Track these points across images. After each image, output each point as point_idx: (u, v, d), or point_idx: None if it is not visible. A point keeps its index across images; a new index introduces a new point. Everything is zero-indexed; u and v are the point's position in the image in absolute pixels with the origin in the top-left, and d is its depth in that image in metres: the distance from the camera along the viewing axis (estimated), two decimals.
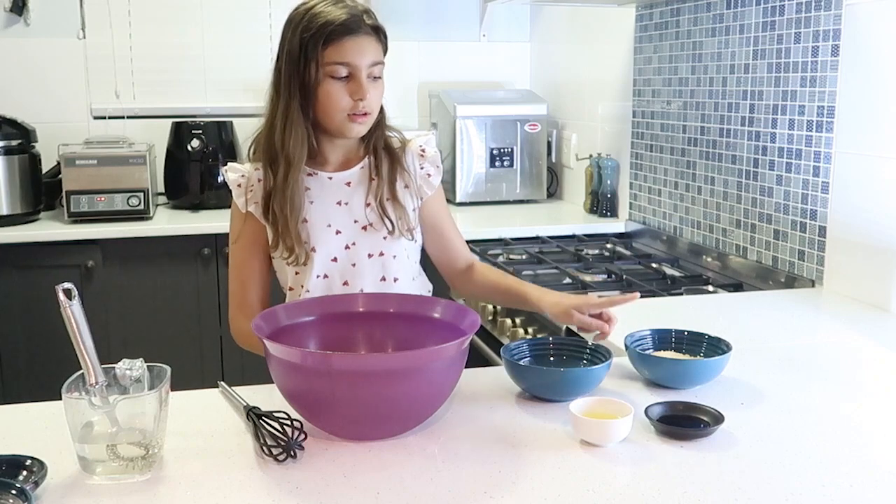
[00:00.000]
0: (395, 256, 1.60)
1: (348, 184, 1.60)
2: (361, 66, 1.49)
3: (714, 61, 2.42)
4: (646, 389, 1.37)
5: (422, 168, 1.64)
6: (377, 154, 1.61)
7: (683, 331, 1.47)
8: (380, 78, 1.54)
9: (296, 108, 1.52)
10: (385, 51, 1.56)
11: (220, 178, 3.22)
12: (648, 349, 1.45)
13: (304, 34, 1.49)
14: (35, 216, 3.03)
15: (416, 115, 3.70)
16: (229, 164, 1.68)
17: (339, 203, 1.59)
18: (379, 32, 1.53)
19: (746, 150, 2.29)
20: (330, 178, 1.60)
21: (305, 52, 1.49)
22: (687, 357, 1.42)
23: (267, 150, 1.57)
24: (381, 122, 1.61)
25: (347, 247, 1.59)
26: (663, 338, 1.47)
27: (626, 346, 1.43)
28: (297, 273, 1.60)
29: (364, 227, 1.59)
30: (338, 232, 1.59)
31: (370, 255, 1.59)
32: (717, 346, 1.42)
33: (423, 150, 1.65)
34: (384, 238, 1.59)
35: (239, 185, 1.62)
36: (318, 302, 1.46)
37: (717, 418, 1.21)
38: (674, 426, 1.20)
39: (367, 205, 1.59)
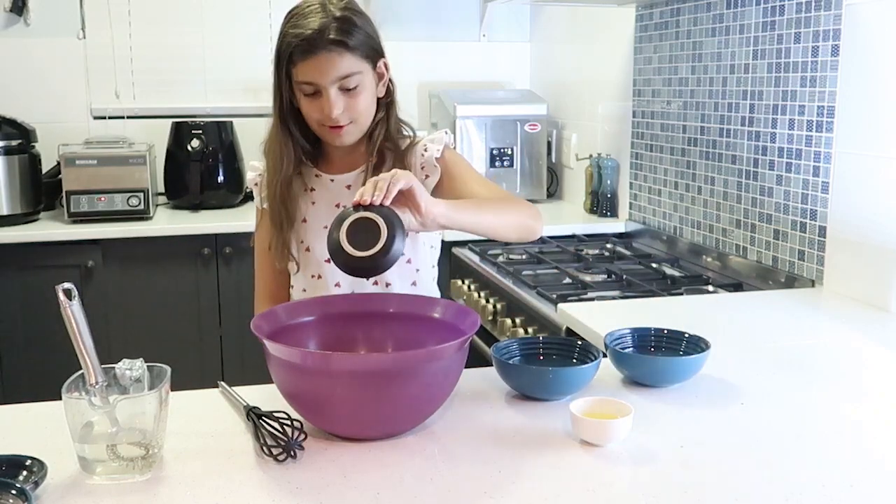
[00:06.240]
0: None
1: (348, 187, 1.60)
2: (324, 83, 1.46)
3: (714, 61, 2.42)
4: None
5: (422, 168, 1.61)
6: (381, 155, 1.58)
7: (663, 329, 1.48)
8: (357, 87, 1.48)
9: (276, 122, 1.53)
10: (368, 56, 1.49)
11: (220, 178, 3.23)
12: (628, 348, 1.46)
13: (278, 50, 1.49)
14: (35, 216, 3.04)
15: (416, 115, 3.70)
16: (250, 162, 1.70)
17: (337, 206, 1.59)
18: (345, 45, 1.45)
19: (746, 150, 2.29)
20: (332, 181, 1.60)
21: (281, 68, 1.49)
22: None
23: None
24: (383, 121, 1.58)
25: None
26: (643, 336, 1.48)
27: (605, 344, 1.43)
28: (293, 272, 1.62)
29: None
30: None
31: None
32: (696, 345, 1.43)
33: (425, 150, 1.62)
34: None
35: (256, 184, 1.66)
36: (318, 302, 1.46)
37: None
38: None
39: None
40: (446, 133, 1.65)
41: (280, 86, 1.50)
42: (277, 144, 1.55)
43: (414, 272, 1.63)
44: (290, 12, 1.50)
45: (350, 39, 1.46)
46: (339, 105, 1.47)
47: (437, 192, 1.60)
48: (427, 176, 1.60)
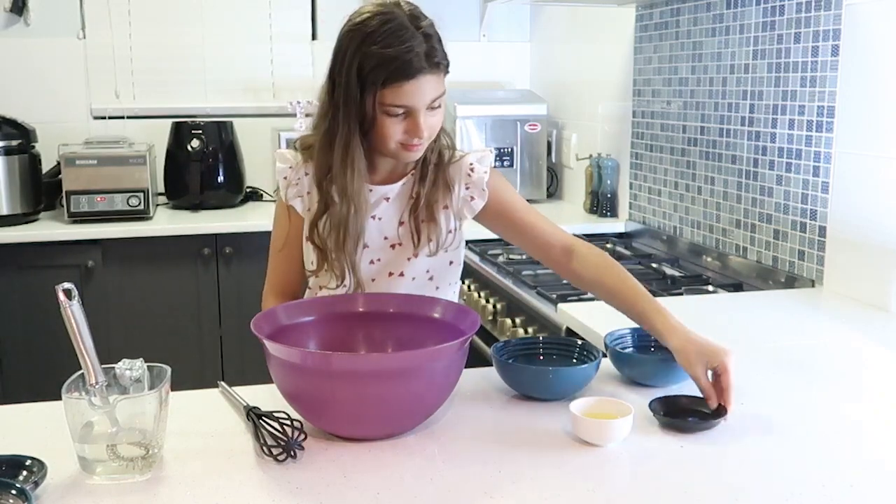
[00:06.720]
0: (413, 279, 1.54)
1: (387, 199, 1.52)
2: (420, 107, 1.38)
3: (714, 61, 2.42)
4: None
5: (466, 189, 1.52)
6: (425, 168, 1.50)
7: None
8: (440, 105, 1.42)
9: (356, 146, 1.42)
10: (447, 73, 1.43)
11: (220, 178, 3.23)
12: (628, 348, 1.46)
13: (361, 71, 1.36)
14: (35, 216, 3.04)
15: None
16: (278, 151, 1.59)
17: (373, 217, 1.52)
18: (440, 66, 1.39)
19: (746, 150, 2.29)
20: (370, 191, 1.51)
21: (362, 88, 1.37)
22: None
23: (320, 167, 1.47)
24: (441, 133, 1.50)
25: (372, 262, 1.53)
26: (643, 336, 1.48)
27: (605, 344, 1.43)
28: (317, 276, 1.55)
29: (392, 246, 1.53)
30: (366, 246, 1.52)
31: (391, 274, 1.53)
32: None
33: (471, 170, 1.52)
34: (408, 259, 1.53)
35: (285, 178, 1.55)
36: (318, 302, 1.46)
37: (719, 411, 1.23)
38: (679, 419, 1.22)
39: (401, 223, 1.52)
40: (491, 151, 1.58)
41: (362, 107, 1.38)
42: (360, 171, 1.44)
43: (434, 290, 1.57)
44: (365, 28, 1.37)
45: (444, 59, 1.41)
46: (428, 125, 1.41)
47: (483, 216, 1.55)
48: (473, 198, 1.52)
